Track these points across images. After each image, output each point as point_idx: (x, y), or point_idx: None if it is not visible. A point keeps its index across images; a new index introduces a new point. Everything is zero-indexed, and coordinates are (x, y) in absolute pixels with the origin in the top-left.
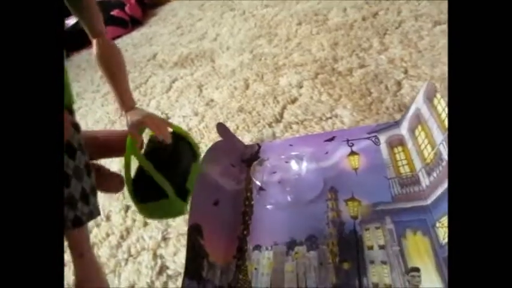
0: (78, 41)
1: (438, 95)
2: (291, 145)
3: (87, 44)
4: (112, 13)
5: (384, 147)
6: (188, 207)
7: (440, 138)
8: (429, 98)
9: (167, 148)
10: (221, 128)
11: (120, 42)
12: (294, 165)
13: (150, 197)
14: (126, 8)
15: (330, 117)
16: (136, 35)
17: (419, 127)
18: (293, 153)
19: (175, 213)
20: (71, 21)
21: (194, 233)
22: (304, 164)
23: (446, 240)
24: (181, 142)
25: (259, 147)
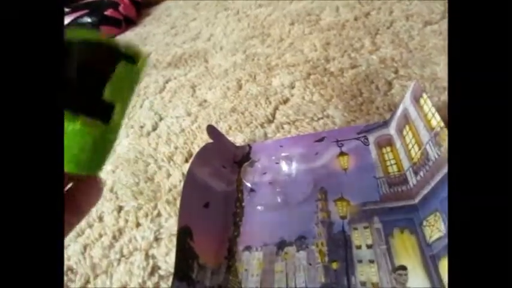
0: None
1: (424, 95)
2: (281, 146)
3: None
4: (106, 13)
5: (372, 147)
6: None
7: (427, 138)
8: (416, 98)
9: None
10: (211, 129)
11: None
12: (284, 166)
13: None
14: (120, 8)
15: (322, 118)
16: (130, 34)
17: (407, 127)
18: (283, 154)
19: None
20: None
21: (184, 235)
22: (294, 165)
23: (432, 238)
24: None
25: (250, 148)
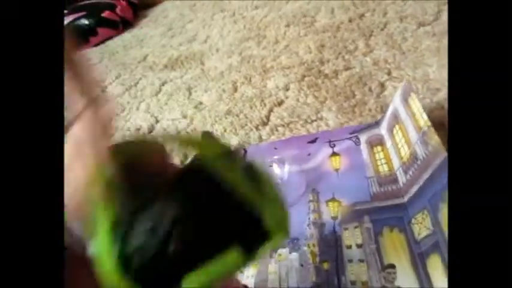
0: None
1: (413, 95)
2: (275, 148)
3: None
4: (103, 15)
5: (364, 147)
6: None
7: (415, 137)
8: (405, 99)
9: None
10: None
11: (110, 44)
12: (276, 169)
13: None
14: (117, 10)
15: (315, 120)
16: (127, 36)
17: (397, 127)
18: (275, 157)
19: None
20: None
21: None
22: (287, 168)
23: (421, 236)
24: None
25: (245, 152)
